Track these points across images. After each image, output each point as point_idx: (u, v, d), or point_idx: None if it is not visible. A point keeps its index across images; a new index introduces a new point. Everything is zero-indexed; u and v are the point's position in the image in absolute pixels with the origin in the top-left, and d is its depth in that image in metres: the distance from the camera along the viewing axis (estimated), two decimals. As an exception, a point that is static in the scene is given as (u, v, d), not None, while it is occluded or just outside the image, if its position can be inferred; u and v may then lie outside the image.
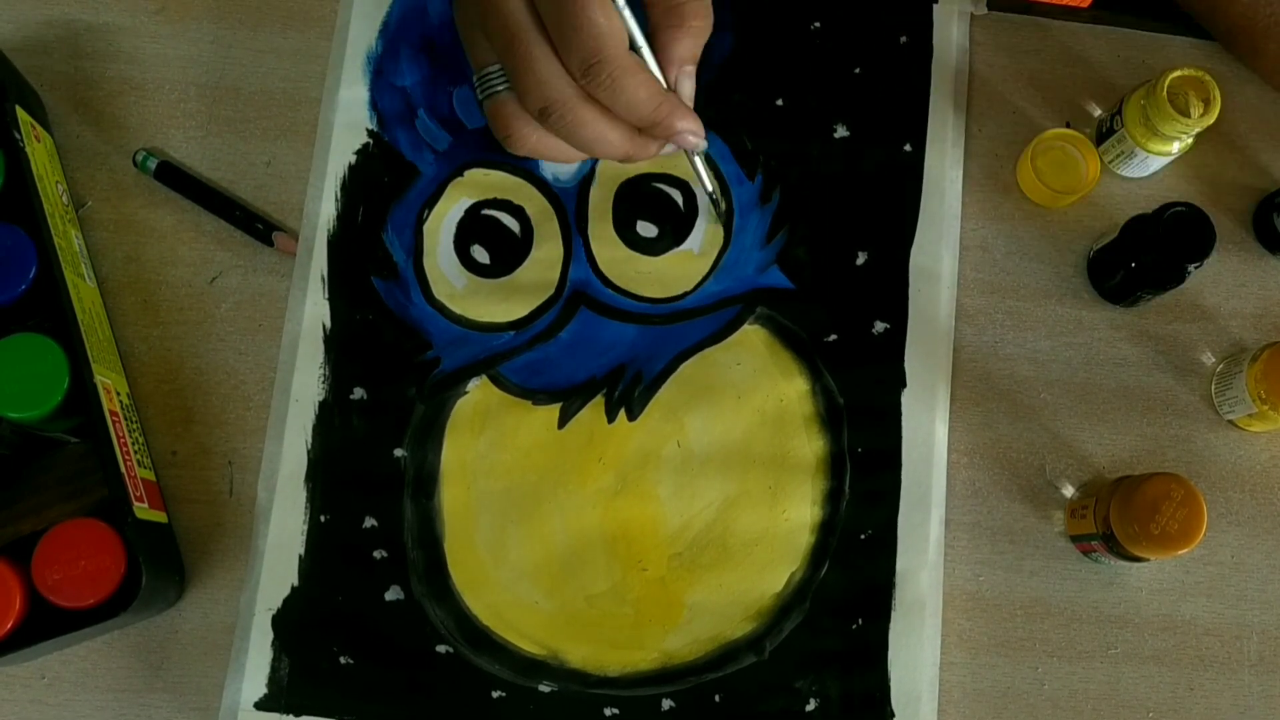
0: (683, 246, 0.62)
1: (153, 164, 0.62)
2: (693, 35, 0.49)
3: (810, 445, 0.60)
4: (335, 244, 0.61)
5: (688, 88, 0.51)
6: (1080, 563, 0.60)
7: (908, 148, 0.63)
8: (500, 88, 0.50)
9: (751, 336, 0.61)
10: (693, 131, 0.51)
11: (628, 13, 0.47)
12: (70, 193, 0.62)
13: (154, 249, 0.62)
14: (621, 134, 0.50)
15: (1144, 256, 0.58)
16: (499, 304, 0.61)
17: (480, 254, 0.61)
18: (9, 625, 0.52)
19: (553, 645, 0.58)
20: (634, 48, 0.49)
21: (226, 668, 0.57)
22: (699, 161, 0.55)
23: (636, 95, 0.48)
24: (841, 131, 0.63)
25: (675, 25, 0.48)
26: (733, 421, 0.60)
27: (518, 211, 0.62)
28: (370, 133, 0.62)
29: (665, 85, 0.50)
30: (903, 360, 0.61)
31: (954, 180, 0.63)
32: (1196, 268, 0.57)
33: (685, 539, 0.59)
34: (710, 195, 0.59)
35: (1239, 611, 0.59)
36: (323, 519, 0.59)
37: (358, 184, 0.62)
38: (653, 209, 0.62)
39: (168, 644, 0.58)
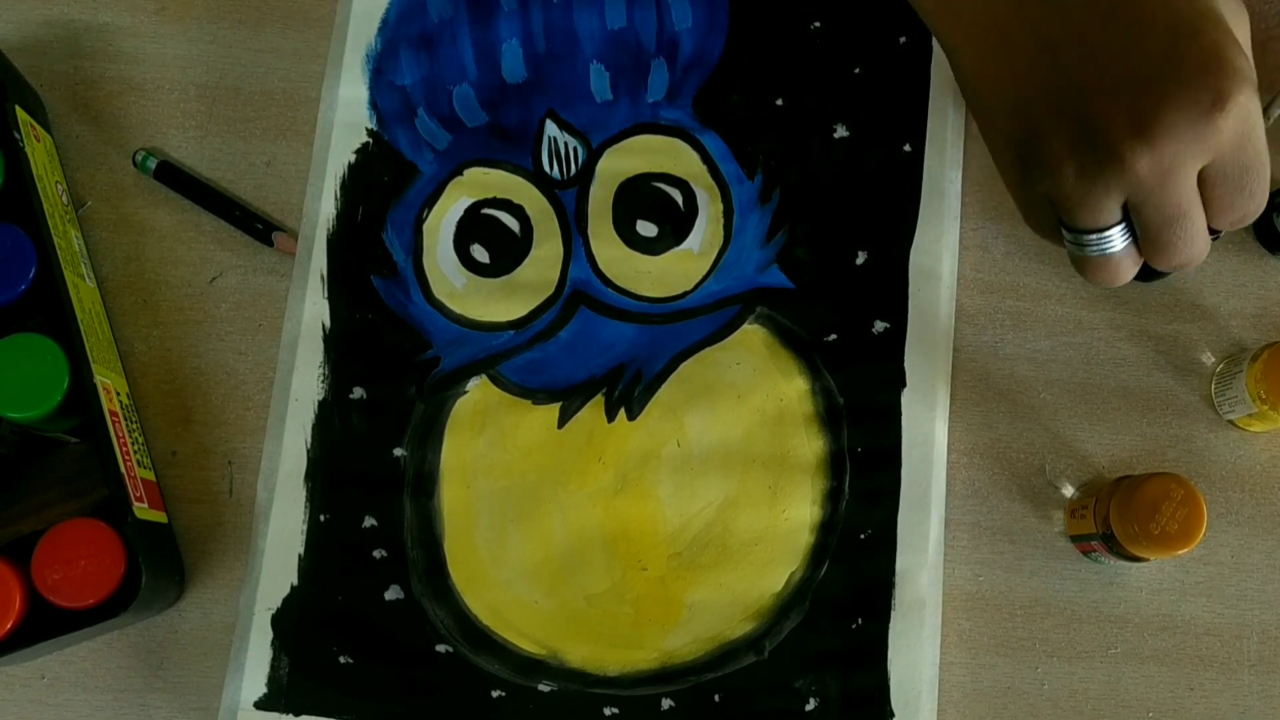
0: (683, 246, 0.62)
1: (152, 164, 0.62)
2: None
3: (810, 445, 0.60)
4: (335, 243, 0.61)
5: None
6: (1080, 563, 0.60)
7: (908, 148, 0.63)
8: (1125, 243, 0.48)
9: (751, 336, 0.61)
10: None
11: None
12: (70, 193, 0.62)
13: (154, 249, 0.62)
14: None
15: None
16: (499, 303, 0.61)
17: (480, 253, 0.61)
18: (9, 625, 0.52)
19: (552, 645, 0.58)
20: None
21: (226, 667, 0.57)
22: None
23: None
24: (841, 131, 0.63)
25: None
26: (732, 421, 0.60)
27: (517, 211, 0.62)
28: (370, 132, 0.63)
29: None
30: (903, 360, 0.61)
31: (954, 180, 0.63)
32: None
33: (685, 538, 0.59)
34: None
35: (1239, 611, 0.59)
36: (322, 518, 0.59)
37: (357, 183, 0.62)
38: (653, 208, 0.62)
39: (168, 644, 0.58)
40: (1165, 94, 0.43)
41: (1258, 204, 0.46)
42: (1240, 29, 0.45)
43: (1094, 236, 0.48)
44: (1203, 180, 0.45)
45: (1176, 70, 0.43)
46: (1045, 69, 0.46)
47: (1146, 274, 0.61)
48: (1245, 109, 0.43)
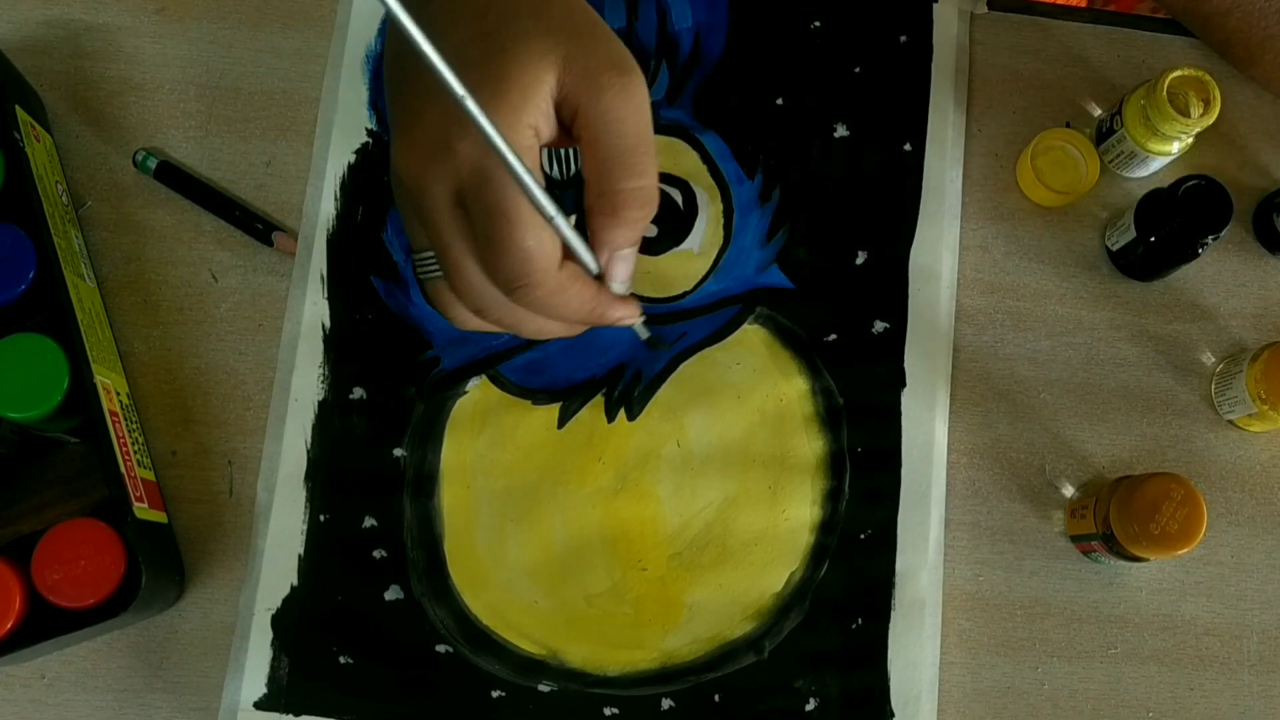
0: (682, 246, 0.62)
1: (152, 164, 0.62)
2: (627, 225, 0.45)
3: (810, 445, 0.60)
4: (335, 244, 0.61)
5: (622, 272, 0.47)
6: (1080, 563, 0.60)
7: (908, 147, 0.63)
8: (436, 273, 0.47)
9: (751, 336, 0.61)
10: (628, 316, 0.49)
11: (561, 222, 0.44)
12: (70, 193, 0.62)
13: (154, 249, 0.62)
14: (562, 325, 0.48)
15: (1161, 230, 0.58)
16: (498, 304, 0.61)
17: (480, 254, 0.61)
18: (9, 625, 0.52)
19: (552, 645, 0.58)
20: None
21: (226, 667, 0.57)
22: (638, 326, 0.52)
23: (566, 308, 0.46)
24: (841, 131, 0.63)
25: (608, 214, 0.45)
26: (732, 421, 0.60)
27: (517, 211, 0.61)
28: (370, 132, 0.63)
29: (596, 269, 0.47)
30: (902, 360, 0.61)
31: (954, 180, 0.63)
32: (1215, 239, 0.57)
33: (685, 539, 0.59)
34: (649, 340, 0.56)
35: (1239, 611, 0.59)
36: (322, 518, 0.59)
37: (357, 184, 0.62)
38: (652, 209, 0.62)
39: (168, 644, 0.58)
40: (422, 112, 0.44)
41: (507, 261, 0.43)
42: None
43: (412, 258, 0.48)
44: (465, 217, 0.44)
45: (441, 96, 0.42)
46: (394, 83, 0.47)
47: (1145, 273, 0.61)
48: (484, 149, 0.42)
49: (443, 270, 0.46)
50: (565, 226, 0.44)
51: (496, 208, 0.43)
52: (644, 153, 0.44)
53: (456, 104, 0.40)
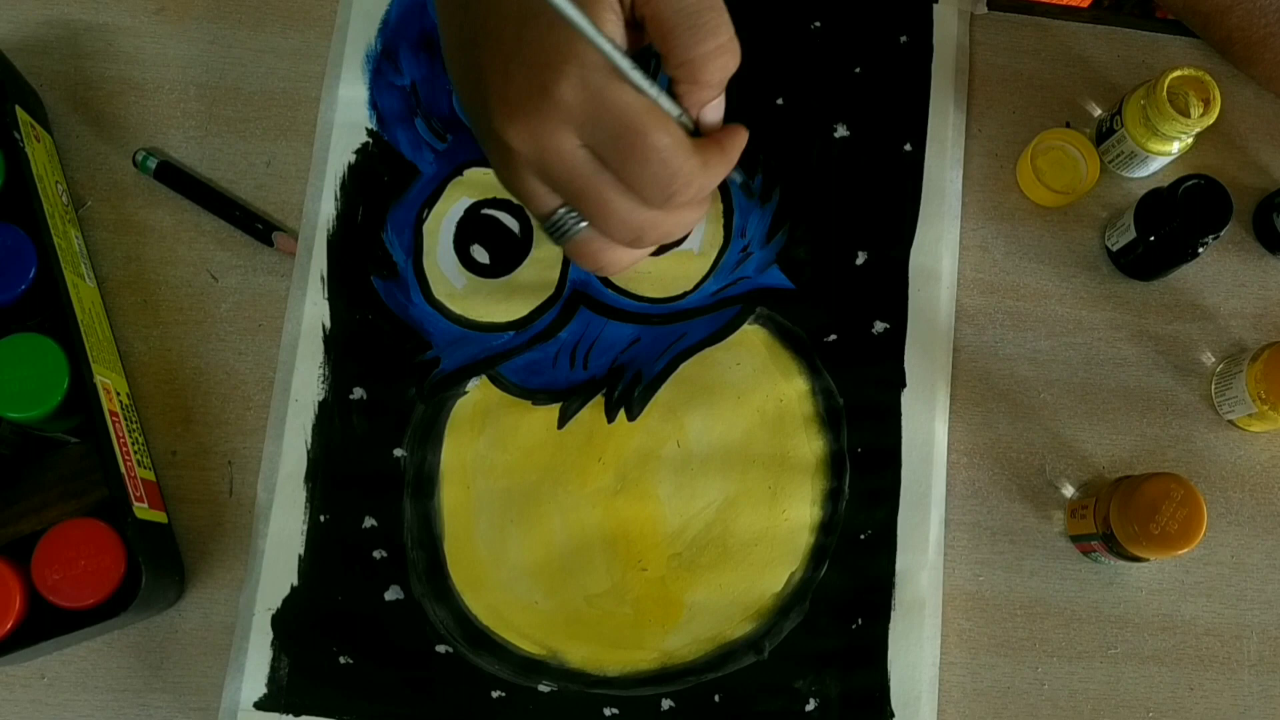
0: (682, 246, 0.62)
1: (152, 164, 0.62)
2: (713, 87, 0.46)
3: (810, 445, 0.60)
4: (335, 244, 0.61)
5: (717, 114, 0.48)
6: (1080, 563, 0.60)
7: (908, 148, 0.63)
8: (579, 226, 0.47)
9: (751, 336, 0.61)
10: (734, 160, 0.49)
11: (664, 99, 0.44)
12: (70, 193, 0.62)
13: (154, 249, 0.62)
14: (703, 207, 0.48)
15: (1161, 230, 0.58)
16: (499, 304, 0.61)
17: (480, 254, 0.61)
18: (9, 625, 0.52)
19: (552, 645, 0.58)
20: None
21: (226, 667, 0.57)
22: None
23: (706, 186, 0.46)
24: (841, 131, 0.63)
25: (692, 81, 0.45)
26: (732, 421, 0.60)
27: (517, 211, 0.62)
28: (370, 132, 0.62)
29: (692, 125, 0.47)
30: (902, 360, 0.61)
31: (954, 180, 0.63)
32: (1215, 239, 0.57)
33: (685, 539, 0.59)
34: (740, 182, 0.56)
35: (1239, 611, 0.59)
36: (322, 519, 0.59)
37: (357, 184, 0.62)
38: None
39: (168, 644, 0.58)
40: (510, 73, 0.43)
41: (655, 171, 0.43)
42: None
43: (547, 225, 0.47)
44: (595, 154, 0.44)
45: (520, 50, 0.43)
46: (465, 65, 0.47)
47: (1145, 273, 0.61)
48: (584, 78, 0.42)
49: (588, 217, 0.46)
50: (666, 100, 0.45)
51: (622, 123, 0.43)
52: (710, 8, 0.44)
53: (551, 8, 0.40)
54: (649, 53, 0.46)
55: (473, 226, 0.62)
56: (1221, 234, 0.57)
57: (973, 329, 0.62)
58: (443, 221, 0.62)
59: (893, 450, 0.60)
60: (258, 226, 0.61)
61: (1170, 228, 0.57)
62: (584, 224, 0.47)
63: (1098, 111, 0.64)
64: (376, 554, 0.59)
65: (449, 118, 0.62)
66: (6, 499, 0.55)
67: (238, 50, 0.64)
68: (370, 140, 0.62)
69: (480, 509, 0.59)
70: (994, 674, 0.58)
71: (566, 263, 0.61)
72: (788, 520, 0.59)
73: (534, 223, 0.54)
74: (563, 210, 0.47)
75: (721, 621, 0.58)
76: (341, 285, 0.61)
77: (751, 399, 0.60)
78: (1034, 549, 0.60)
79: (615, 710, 0.57)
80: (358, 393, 0.60)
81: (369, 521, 0.59)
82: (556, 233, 0.47)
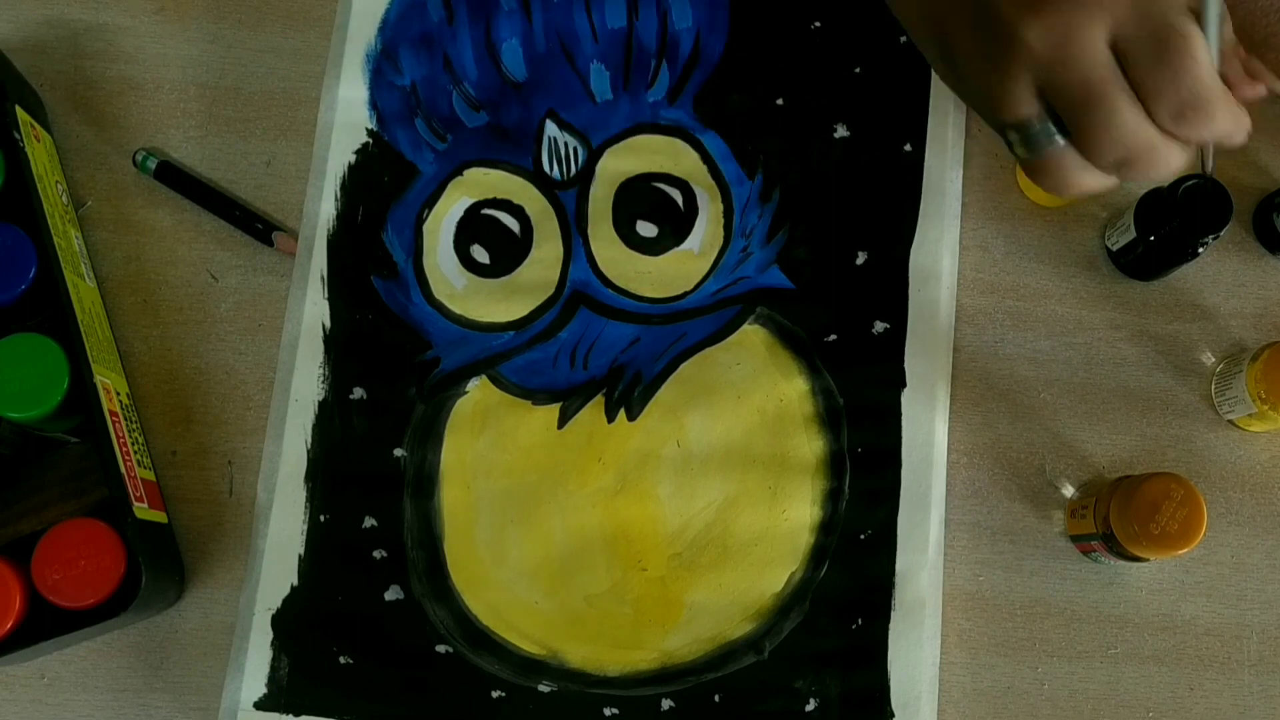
0: (683, 246, 0.62)
1: (152, 164, 0.62)
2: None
3: (810, 445, 0.60)
4: (335, 244, 0.61)
5: (1251, 92, 0.45)
6: (1080, 563, 0.60)
7: (908, 148, 0.63)
8: (1057, 141, 0.43)
9: (751, 336, 0.61)
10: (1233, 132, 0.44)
11: (1213, 28, 0.41)
12: (70, 193, 0.62)
13: (154, 249, 0.62)
14: (1185, 155, 0.44)
15: (1161, 230, 0.58)
16: (499, 304, 0.61)
17: (480, 254, 0.61)
18: (9, 625, 0.52)
19: (552, 645, 0.58)
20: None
21: (226, 667, 0.57)
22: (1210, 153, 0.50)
23: (1224, 125, 0.42)
24: (841, 131, 0.63)
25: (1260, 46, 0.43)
26: (732, 421, 0.60)
27: (517, 211, 0.62)
28: (370, 132, 0.63)
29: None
30: (902, 360, 0.60)
31: (954, 180, 0.62)
32: (1215, 239, 0.57)
33: (685, 539, 0.59)
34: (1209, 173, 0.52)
35: (1239, 611, 0.59)
36: (322, 519, 0.59)
37: (357, 184, 0.62)
38: (653, 208, 0.62)
39: (168, 644, 0.58)
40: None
41: (1185, 83, 0.40)
42: None
43: (1019, 134, 0.44)
44: (1119, 56, 0.41)
45: None
46: None
47: (1145, 273, 0.61)
48: None
49: (1085, 127, 0.42)
50: (1213, 31, 0.42)
51: (1169, 23, 0.40)
52: None
53: None
54: None
55: (473, 226, 0.62)
56: (1221, 234, 0.57)
57: (973, 329, 0.62)
58: (443, 221, 0.62)
59: (893, 450, 0.60)
60: (258, 226, 0.61)
61: (1170, 228, 0.57)
62: (1062, 139, 0.43)
63: (1098, 111, 0.64)
64: (376, 554, 0.59)
65: (449, 118, 0.63)
66: (6, 499, 0.55)
67: (238, 50, 0.64)
68: (370, 140, 0.62)
69: (480, 509, 0.59)
70: (994, 674, 0.58)
71: (567, 263, 0.61)
72: (788, 520, 0.59)
73: (984, 129, 0.48)
74: (1039, 122, 0.43)
75: (721, 621, 0.58)
76: (341, 285, 0.61)
77: (751, 399, 0.60)
78: (1034, 549, 0.60)
79: (615, 710, 0.57)
80: (358, 393, 0.60)
81: (369, 521, 0.59)
82: (1029, 143, 0.44)
